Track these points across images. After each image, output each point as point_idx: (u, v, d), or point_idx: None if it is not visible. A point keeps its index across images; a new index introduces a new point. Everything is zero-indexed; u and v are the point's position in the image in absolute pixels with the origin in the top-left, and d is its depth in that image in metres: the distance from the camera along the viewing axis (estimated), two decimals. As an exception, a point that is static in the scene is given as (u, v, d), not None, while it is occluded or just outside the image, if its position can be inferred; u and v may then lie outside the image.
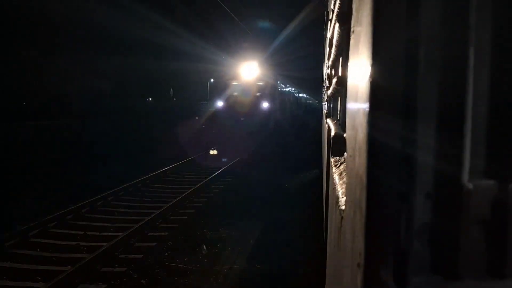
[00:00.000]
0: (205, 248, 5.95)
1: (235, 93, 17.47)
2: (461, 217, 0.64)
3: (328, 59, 3.57)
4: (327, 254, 2.18)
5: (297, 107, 30.51)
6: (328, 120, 2.80)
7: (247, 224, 7.13)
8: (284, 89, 24.86)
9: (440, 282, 0.65)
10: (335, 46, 2.30)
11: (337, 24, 1.72)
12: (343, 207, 1.06)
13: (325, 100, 7.06)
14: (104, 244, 5.90)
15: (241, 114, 17.11)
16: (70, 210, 7.56)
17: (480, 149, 0.67)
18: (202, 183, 10.32)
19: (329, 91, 2.88)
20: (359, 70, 0.71)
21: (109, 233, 6.72)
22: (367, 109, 0.65)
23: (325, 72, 7.05)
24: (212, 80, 19.77)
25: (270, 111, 18.23)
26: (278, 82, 21.41)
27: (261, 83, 17.79)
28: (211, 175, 11.30)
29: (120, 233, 6.42)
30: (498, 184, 0.66)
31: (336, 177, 1.60)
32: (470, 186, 0.64)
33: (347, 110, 1.08)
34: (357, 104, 0.72)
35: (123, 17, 21.47)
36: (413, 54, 0.63)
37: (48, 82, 20.90)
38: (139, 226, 6.71)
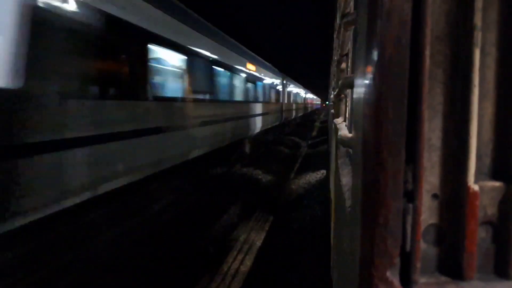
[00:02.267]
0: None
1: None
2: (467, 218, 0.64)
3: (335, 60, 3.57)
4: (333, 253, 2.18)
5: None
6: (335, 121, 2.80)
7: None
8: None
9: (446, 283, 0.65)
10: (342, 47, 2.31)
11: (343, 26, 1.72)
12: (349, 207, 1.06)
13: (332, 100, 7.06)
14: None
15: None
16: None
17: (486, 150, 0.68)
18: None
19: (336, 92, 2.87)
20: (364, 71, 0.71)
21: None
22: (373, 110, 0.66)
23: (332, 73, 7.04)
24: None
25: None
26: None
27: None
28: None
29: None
30: (504, 185, 0.66)
31: (343, 177, 1.60)
32: (476, 187, 0.64)
33: (353, 111, 1.08)
34: (363, 104, 0.73)
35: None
36: (418, 54, 0.64)
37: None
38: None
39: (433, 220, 0.67)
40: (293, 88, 27.78)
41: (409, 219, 0.65)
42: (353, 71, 1.71)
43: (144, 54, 5.35)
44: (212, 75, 8.45)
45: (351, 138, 1.23)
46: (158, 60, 6.00)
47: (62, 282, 4.50)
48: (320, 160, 13.20)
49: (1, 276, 3.96)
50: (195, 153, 7.64)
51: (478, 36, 0.63)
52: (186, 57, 6.90)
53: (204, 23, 8.54)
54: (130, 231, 6.22)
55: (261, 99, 14.92)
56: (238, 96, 11.51)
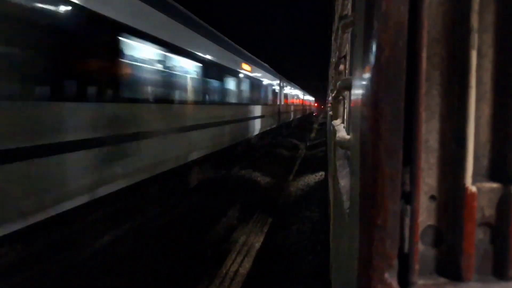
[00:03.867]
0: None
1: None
2: (465, 219, 0.64)
3: (333, 62, 3.58)
4: (332, 255, 2.18)
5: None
6: (333, 122, 2.80)
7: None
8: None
9: (444, 284, 0.65)
10: (339, 50, 2.31)
11: (341, 28, 1.72)
12: (348, 209, 1.06)
13: (330, 102, 7.06)
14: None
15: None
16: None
17: (484, 151, 0.68)
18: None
19: (334, 94, 2.88)
20: (362, 73, 0.71)
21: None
22: (370, 111, 0.66)
23: (330, 74, 7.05)
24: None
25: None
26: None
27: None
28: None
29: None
30: (502, 186, 0.66)
31: (341, 179, 1.60)
32: (474, 188, 0.64)
33: (351, 113, 1.08)
34: (360, 106, 0.73)
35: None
36: (415, 56, 0.64)
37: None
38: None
39: (431, 221, 0.67)
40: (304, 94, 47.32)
41: (407, 220, 0.65)
42: (351, 73, 1.71)
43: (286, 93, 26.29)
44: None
45: (349, 140, 1.23)
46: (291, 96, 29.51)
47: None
48: (318, 162, 13.20)
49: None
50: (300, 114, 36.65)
51: (474, 37, 0.63)
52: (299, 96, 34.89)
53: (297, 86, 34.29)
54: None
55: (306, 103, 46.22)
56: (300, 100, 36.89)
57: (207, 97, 8.93)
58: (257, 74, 15.01)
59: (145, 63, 6.13)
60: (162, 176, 6.74)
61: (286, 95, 25.07)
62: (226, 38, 11.02)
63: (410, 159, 0.65)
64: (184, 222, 7.44)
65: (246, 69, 13.03)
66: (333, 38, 3.79)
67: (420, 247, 0.66)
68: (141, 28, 5.75)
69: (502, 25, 0.65)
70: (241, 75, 12.33)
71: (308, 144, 20.70)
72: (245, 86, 13.05)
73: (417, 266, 0.64)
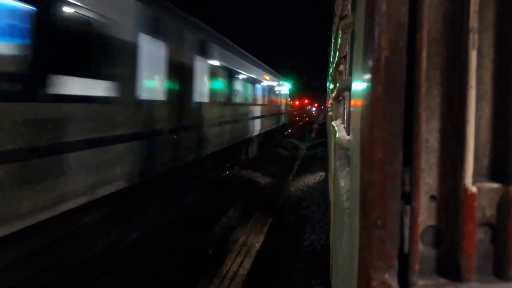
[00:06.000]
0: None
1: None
2: (465, 219, 0.64)
3: (333, 62, 3.58)
4: (332, 255, 2.18)
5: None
6: (333, 123, 2.80)
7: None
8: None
9: (445, 285, 0.65)
10: (339, 50, 2.31)
11: (341, 29, 1.72)
12: (348, 209, 1.06)
13: (330, 102, 7.06)
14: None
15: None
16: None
17: (484, 151, 0.68)
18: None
19: (334, 94, 2.88)
20: (362, 73, 0.71)
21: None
22: (370, 112, 0.66)
23: (330, 75, 7.05)
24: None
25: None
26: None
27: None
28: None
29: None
30: (502, 186, 0.66)
31: (341, 179, 1.60)
32: (474, 188, 0.64)
33: (351, 113, 1.08)
34: (360, 106, 0.73)
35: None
36: (415, 56, 0.64)
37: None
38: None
39: (431, 221, 0.67)
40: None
41: (407, 220, 0.65)
42: (351, 73, 1.71)
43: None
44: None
45: (349, 140, 1.23)
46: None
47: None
48: (318, 162, 13.20)
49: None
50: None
51: (474, 37, 0.63)
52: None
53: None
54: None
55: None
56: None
57: (265, 102, 16.91)
58: (279, 86, 23.03)
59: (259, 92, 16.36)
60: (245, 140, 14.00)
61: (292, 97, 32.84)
62: (267, 66, 18.52)
63: (410, 159, 0.65)
64: (184, 221, 7.44)
65: (275, 83, 21.05)
66: (333, 38, 3.79)
67: (420, 247, 0.66)
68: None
69: (502, 25, 0.65)
70: (274, 89, 20.84)
71: (308, 144, 20.70)
72: (275, 96, 21.60)
73: (417, 267, 0.64)
